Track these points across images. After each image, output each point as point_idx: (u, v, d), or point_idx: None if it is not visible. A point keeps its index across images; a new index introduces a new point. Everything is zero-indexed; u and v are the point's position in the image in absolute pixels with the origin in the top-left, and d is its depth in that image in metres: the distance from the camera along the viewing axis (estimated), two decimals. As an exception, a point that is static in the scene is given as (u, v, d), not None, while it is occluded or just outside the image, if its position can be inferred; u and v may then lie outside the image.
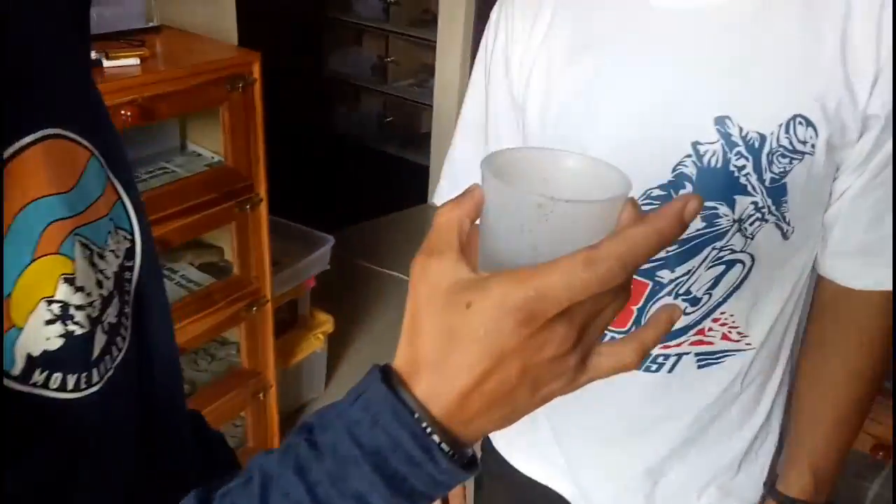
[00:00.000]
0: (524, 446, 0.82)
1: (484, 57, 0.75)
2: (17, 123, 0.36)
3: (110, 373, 0.41)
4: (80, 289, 0.39)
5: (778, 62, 0.59)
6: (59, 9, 0.43)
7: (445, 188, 0.84)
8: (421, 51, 3.46)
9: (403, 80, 3.61)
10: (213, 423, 1.67)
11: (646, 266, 0.63)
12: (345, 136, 3.77)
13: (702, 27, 0.61)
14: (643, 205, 0.64)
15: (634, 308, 0.69)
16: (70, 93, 0.42)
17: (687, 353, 0.69)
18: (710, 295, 0.67)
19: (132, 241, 0.45)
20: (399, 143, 3.65)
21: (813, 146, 0.60)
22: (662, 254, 0.64)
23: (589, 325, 0.33)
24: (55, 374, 0.38)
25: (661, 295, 0.67)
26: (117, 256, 0.43)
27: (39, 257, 0.37)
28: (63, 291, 0.37)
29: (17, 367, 0.36)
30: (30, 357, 0.36)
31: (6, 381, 0.35)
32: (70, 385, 0.38)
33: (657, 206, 0.61)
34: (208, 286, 1.49)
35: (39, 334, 0.37)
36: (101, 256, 0.41)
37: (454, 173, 0.83)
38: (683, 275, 0.66)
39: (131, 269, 0.45)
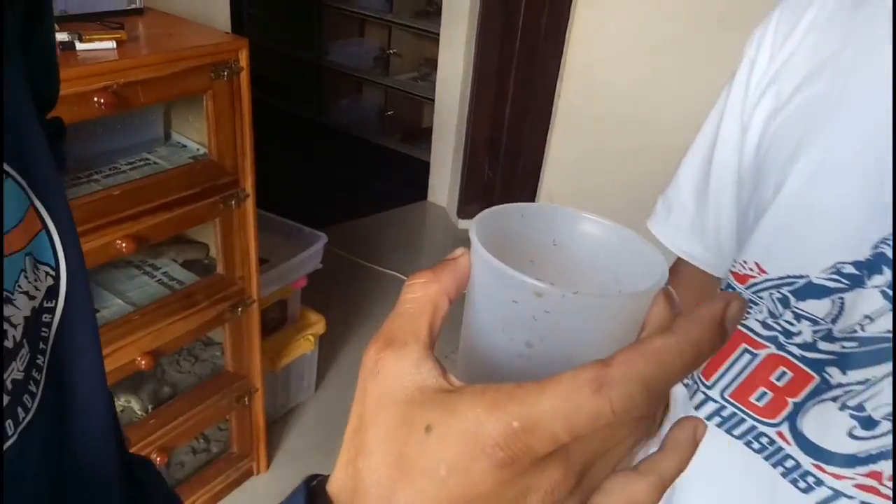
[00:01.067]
0: None
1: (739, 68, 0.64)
2: None
3: (12, 440, 0.33)
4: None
5: None
6: None
7: (660, 212, 0.73)
8: (424, 43, 3.38)
9: (406, 73, 3.53)
10: (195, 427, 1.58)
11: (816, 356, 0.52)
12: (345, 129, 3.69)
13: None
14: (827, 281, 0.51)
15: (791, 401, 0.54)
16: None
17: (850, 498, 0.52)
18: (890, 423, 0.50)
19: (56, 278, 0.37)
20: (400, 138, 3.57)
21: None
22: (837, 347, 0.51)
23: (592, 466, 0.24)
24: None
25: (824, 397, 0.52)
26: (31, 298, 0.36)
27: None
28: None
29: None
30: None
31: None
32: None
33: (845, 286, 0.50)
34: (191, 285, 1.41)
35: None
36: (9, 301, 0.33)
37: (669, 198, 0.72)
38: (858, 383, 0.51)
39: (52, 310, 0.37)
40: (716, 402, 0.60)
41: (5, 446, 0.33)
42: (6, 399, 0.33)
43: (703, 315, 0.22)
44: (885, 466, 0.50)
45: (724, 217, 0.65)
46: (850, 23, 0.54)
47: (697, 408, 0.62)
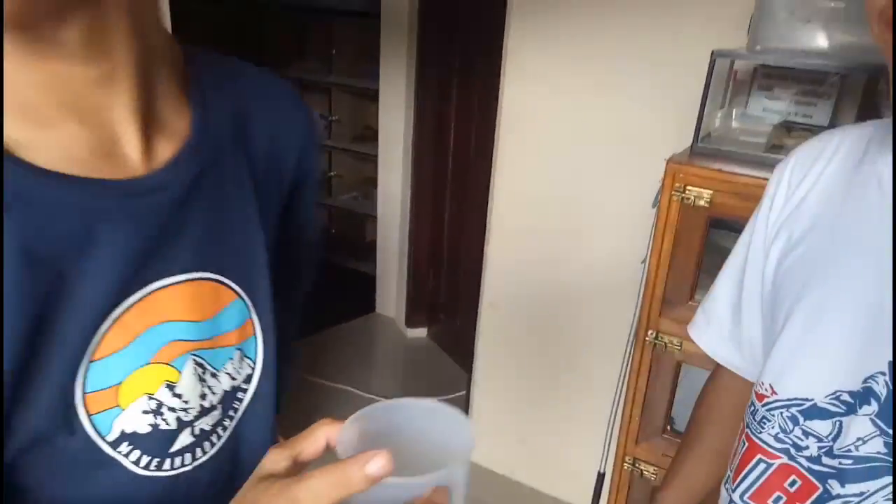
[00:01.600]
0: None
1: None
2: (167, 266, 0.48)
3: (187, 468, 0.51)
4: (178, 395, 0.50)
5: None
6: (241, 179, 0.54)
7: (699, 323, 0.82)
8: (363, 164, 3.57)
9: (347, 192, 3.70)
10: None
11: (820, 468, 0.61)
12: (290, 249, 3.78)
13: None
14: (829, 405, 0.60)
15: None
16: (227, 246, 0.52)
17: None
18: None
19: (252, 371, 0.56)
20: (345, 253, 3.68)
21: None
22: (836, 462, 0.60)
23: None
24: (135, 451, 0.49)
25: None
26: (233, 378, 0.54)
27: (153, 363, 0.48)
28: (162, 394, 0.49)
29: (112, 436, 0.47)
30: (122, 432, 0.48)
31: (102, 444, 0.47)
32: (143, 463, 0.49)
33: (842, 411, 0.59)
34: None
35: (135, 418, 0.48)
36: (214, 376, 0.53)
37: (708, 310, 0.81)
38: (854, 495, 0.59)
39: (246, 391, 0.55)
40: (730, 499, 0.69)
41: (180, 471, 0.51)
42: (191, 440, 0.51)
43: (357, 457, 0.38)
44: None
45: (754, 333, 0.74)
46: (849, 184, 0.63)
47: None
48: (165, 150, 0.48)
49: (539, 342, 2.04)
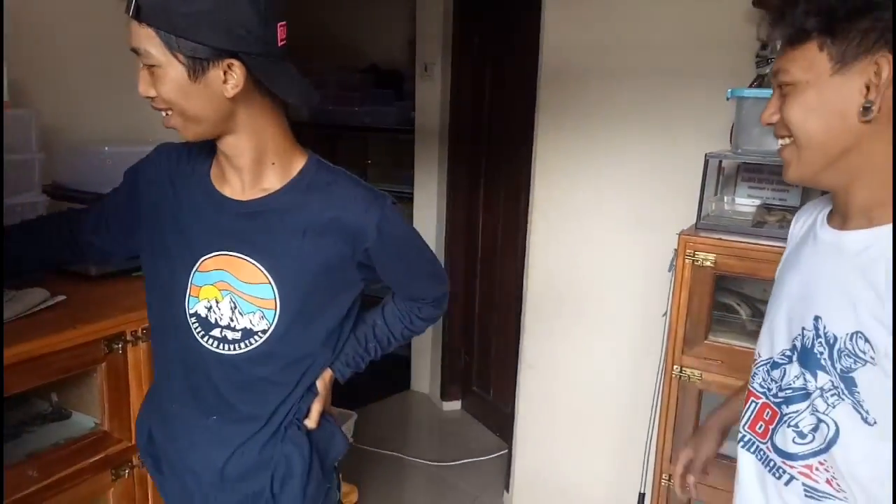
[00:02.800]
0: None
1: None
2: (236, 245, 1.01)
3: (214, 349, 1.03)
4: (219, 308, 1.01)
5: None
6: (296, 226, 1.04)
7: None
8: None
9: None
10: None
11: (777, 400, 0.96)
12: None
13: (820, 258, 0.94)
14: (778, 359, 0.96)
15: (770, 427, 0.96)
16: (272, 252, 1.01)
17: (796, 479, 0.91)
18: (813, 438, 0.89)
19: (267, 329, 1.02)
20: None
21: (873, 358, 0.81)
22: (784, 394, 0.94)
23: None
24: (196, 323, 1.02)
25: (783, 423, 0.94)
26: (252, 325, 1.01)
27: (213, 285, 1.01)
28: (213, 302, 1.01)
29: (190, 311, 1.02)
30: (196, 311, 1.02)
31: (188, 315, 1.03)
32: (199, 333, 1.02)
33: (785, 362, 0.95)
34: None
35: (200, 306, 1.01)
36: (241, 315, 1.01)
37: None
38: (793, 412, 0.92)
39: (259, 338, 1.02)
40: (741, 432, 1.05)
41: (211, 349, 1.04)
42: (220, 336, 1.03)
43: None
44: (812, 461, 0.89)
45: None
46: (805, 235, 1.01)
47: (738, 439, 1.06)
48: (247, 195, 1.03)
49: (573, 396, 2.37)
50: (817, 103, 0.85)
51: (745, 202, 1.84)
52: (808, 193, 1.81)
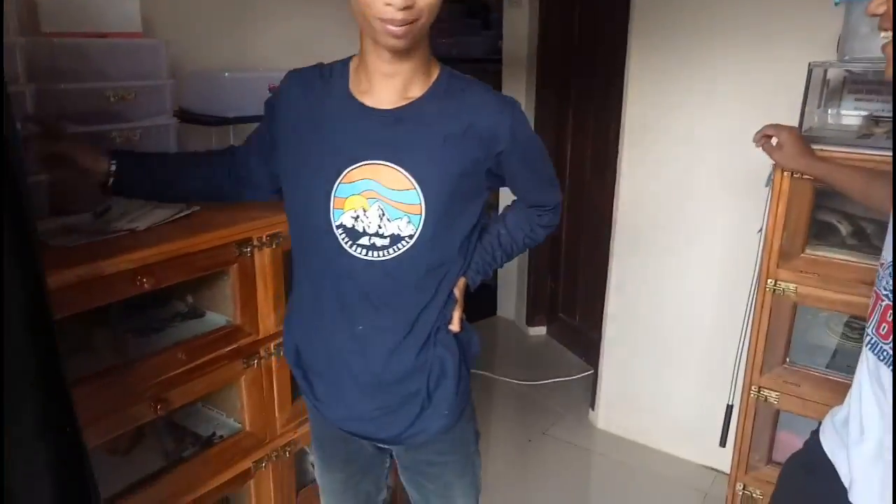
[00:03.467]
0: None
1: None
2: (382, 153, 1.04)
3: (362, 256, 1.07)
4: (366, 216, 1.04)
5: None
6: (437, 130, 1.07)
7: None
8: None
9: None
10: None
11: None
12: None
13: None
14: None
15: (891, 328, 0.98)
16: (416, 157, 1.04)
17: None
18: None
19: (414, 233, 1.05)
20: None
21: None
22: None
23: None
24: (343, 234, 1.05)
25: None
26: (399, 230, 1.05)
27: (360, 195, 1.04)
28: (359, 212, 1.04)
29: (336, 223, 1.05)
30: (342, 223, 1.05)
31: (333, 227, 1.06)
32: (346, 242, 1.06)
33: None
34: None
35: (346, 217, 1.05)
36: (389, 221, 1.04)
37: None
38: None
39: (407, 243, 1.06)
40: (868, 335, 1.07)
41: (359, 256, 1.07)
42: (369, 244, 1.07)
43: None
44: None
45: None
46: None
47: (866, 340, 1.08)
48: (390, 103, 1.05)
49: (660, 316, 2.41)
50: None
51: (852, 114, 1.78)
52: (920, 104, 1.73)
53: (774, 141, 1.51)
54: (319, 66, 1.10)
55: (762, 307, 1.70)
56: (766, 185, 1.72)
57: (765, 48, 2.01)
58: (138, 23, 1.46)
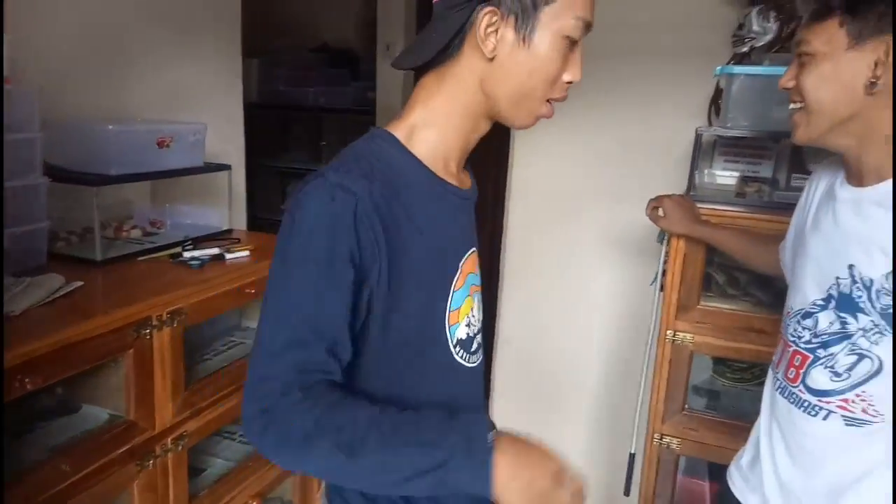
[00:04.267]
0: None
1: None
2: (471, 241, 0.91)
3: (475, 364, 0.92)
4: (473, 316, 0.90)
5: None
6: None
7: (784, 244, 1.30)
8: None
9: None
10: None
11: (810, 346, 1.07)
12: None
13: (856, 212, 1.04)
14: (811, 309, 1.07)
15: (802, 372, 1.08)
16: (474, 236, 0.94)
17: (834, 413, 1.03)
18: (849, 375, 1.01)
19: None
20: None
21: None
22: (819, 340, 1.05)
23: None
24: (461, 351, 0.88)
25: (816, 365, 1.05)
26: (478, 321, 0.94)
27: (470, 295, 0.88)
28: (470, 315, 0.89)
29: (452, 342, 0.86)
30: (458, 338, 0.87)
31: (451, 348, 0.85)
32: (463, 358, 0.89)
33: (818, 310, 1.06)
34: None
35: (461, 329, 0.87)
36: (478, 309, 0.93)
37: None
38: (827, 356, 1.04)
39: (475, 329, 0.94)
40: (776, 378, 1.16)
41: (474, 364, 0.91)
42: (476, 346, 0.92)
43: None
44: (849, 395, 1.02)
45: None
46: (827, 199, 1.11)
47: (773, 385, 1.16)
48: (466, 183, 0.91)
49: (552, 367, 2.45)
50: (831, 74, 0.97)
51: (723, 174, 1.95)
52: (779, 166, 1.94)
53: (661, 210, 1.63)
54: (355, 169, 0.77)
55: (663, 357, 1.77)
56: (659, 241, 1.82)
57: (645, 110, 2.15)
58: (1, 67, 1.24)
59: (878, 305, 0.98)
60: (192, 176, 1.62)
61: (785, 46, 1.85)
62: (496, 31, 0.78)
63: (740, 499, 1.23)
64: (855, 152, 1.01)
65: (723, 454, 1.62)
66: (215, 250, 1.49)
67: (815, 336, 1.07)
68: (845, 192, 1.06)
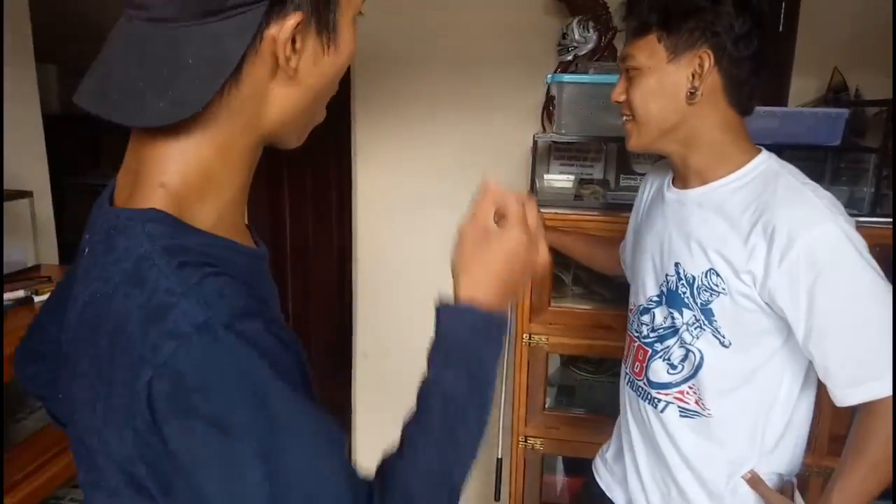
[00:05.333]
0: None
1: None
2: None
3: None
4: None
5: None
6: None
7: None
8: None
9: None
10: None
11: (649, 340, 1.12)
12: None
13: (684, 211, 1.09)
14: (648, 304, 1.13)
15: (643, 365, 1.13)
16: None
17: (672, 404, 1.09)
18: (683, 367, 1.07)
19: None
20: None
21: (724, 289, 1.00)
22: (655, 334, 1.11)
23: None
24: None
25: (655, 358, 1.11)
26: None
27: None
28: None
29: None
30: None
31: None
32: None
33: (653, 306, 1.12)
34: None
35: None
36: None
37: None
38: (664, 349, 1.10)
39: None
40: (626, 373, 1.20)
41: None
42: None
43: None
44: (683, 387, 1.08)
45: None
46: (656, 197, 1.21)
47: (624, 379, 1.21)
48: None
49: (411, 380, 2.41)
50: (656, 87, 1.03)
51: (560, 178, 2.02)
52: (608, 167, 2.05)
53: None
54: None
55: (521, 360, 1.80)
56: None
57: (478, 117, 2.18)
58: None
59: (699, 301, 1.04)
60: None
61: (605, 56, 1.96)
62: (299, 43, 0.57)
63: (606, 492, 1.27)
64: (681, 157, 1.08)
65: (584, 448, 1.68)
66: (20, 293, 1.28)
67: (653, 331, 1.13)
68: (672, 193, 1.14)
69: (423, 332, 2.49)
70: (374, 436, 2.51)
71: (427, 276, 2.33)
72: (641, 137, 1.07)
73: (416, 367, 2.55)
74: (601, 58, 1.96)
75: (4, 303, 1.23)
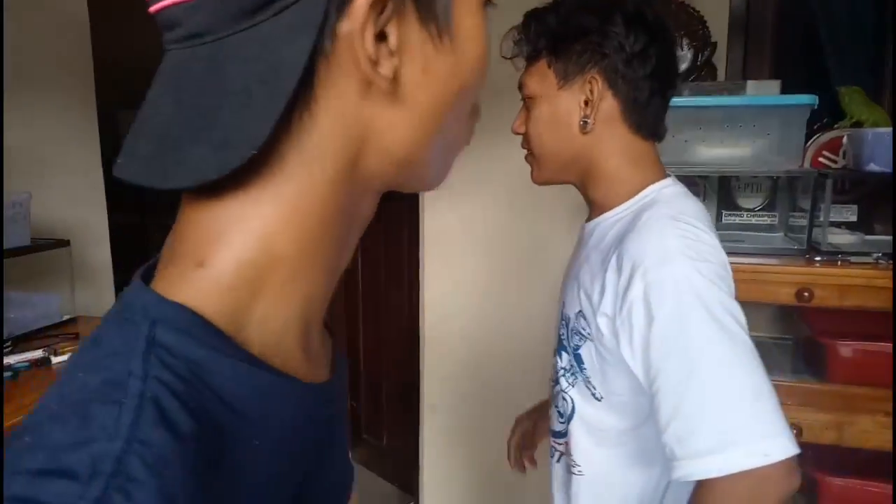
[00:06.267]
0: None
1: None
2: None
3: None
4: None
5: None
6: None
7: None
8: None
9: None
10: None
11: (552, 384, 1.03)
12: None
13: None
14: (557, 347, 1.03)
15: (550, 413, 1.06)
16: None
17: (564, 455, 1.00)
18: (565, 415, 0.97)
19: None
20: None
21: (589, 333, 0.90)
22: (557, 376, 1.01)
23: None
24: None
25: (553, 405, 1.03)
26: None
27: None
28: None
29: None
30: None
31: None
32: None
33: (557, 351, 1.02)
34: None
35: None
36: None
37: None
38: (556, 393, 1.00)
39: None
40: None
41: None
42: None
43: None
44: (567, 438, 0.97)
45: None
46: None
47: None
48: (325, 367, 0.46)
49: (481, 435, 2.20)
50: (549, 116, 0.94)
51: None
52: (708, 202, 1.77)
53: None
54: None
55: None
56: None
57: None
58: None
59: (572, 345, 0.94)
60: (16, 258, 1.29)
61: (702, 75, 1.74)
62: (393, 38, 0.37)
63: None
64: (583, 189, 1.00)
65: None
66: (38, 353, 1.17)
67: (557, 373, 1.02)
68: (582, 228, 1.05)
69: (499, 383, 2.25)
70: (441, 487, 2.30)
71: (504, 325, 2.12)
72: (541, 171, 0.99)
73: (485, 421, 2.29)
74: (697, 77, 1.73)
75: (17, 366, 1.12)
